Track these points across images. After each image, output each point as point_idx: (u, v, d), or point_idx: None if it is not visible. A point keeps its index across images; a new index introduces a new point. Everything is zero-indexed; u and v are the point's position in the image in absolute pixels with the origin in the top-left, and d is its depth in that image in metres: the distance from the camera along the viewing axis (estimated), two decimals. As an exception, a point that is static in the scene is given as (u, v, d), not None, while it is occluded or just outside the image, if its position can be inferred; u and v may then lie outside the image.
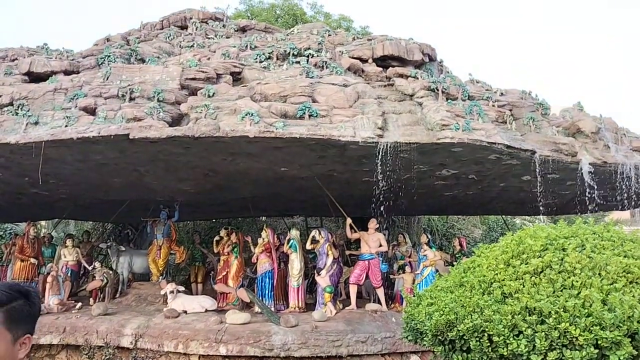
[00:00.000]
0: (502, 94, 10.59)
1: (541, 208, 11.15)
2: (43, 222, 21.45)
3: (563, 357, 3.65)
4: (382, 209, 10.47)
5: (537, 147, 9.12)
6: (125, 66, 10.30)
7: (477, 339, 3.96)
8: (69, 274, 12.92)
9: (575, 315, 3.67)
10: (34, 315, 1.95)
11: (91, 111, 9.05)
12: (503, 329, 3.83)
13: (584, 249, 4.26)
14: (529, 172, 9.77)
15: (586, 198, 9.71)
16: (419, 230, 18.15)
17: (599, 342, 3.57)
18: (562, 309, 3.71)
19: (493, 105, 9.74)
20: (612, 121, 10.87)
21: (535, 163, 9.10)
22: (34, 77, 11.00)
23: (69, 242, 13.46)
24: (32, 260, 13.27)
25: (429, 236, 12.22)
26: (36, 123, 9.13)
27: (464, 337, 4.05)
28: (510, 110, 9.87)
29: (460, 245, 13.32)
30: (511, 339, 3.80)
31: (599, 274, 4.01)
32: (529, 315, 3.82)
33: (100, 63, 11.19)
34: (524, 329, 3.79)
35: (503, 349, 3.81)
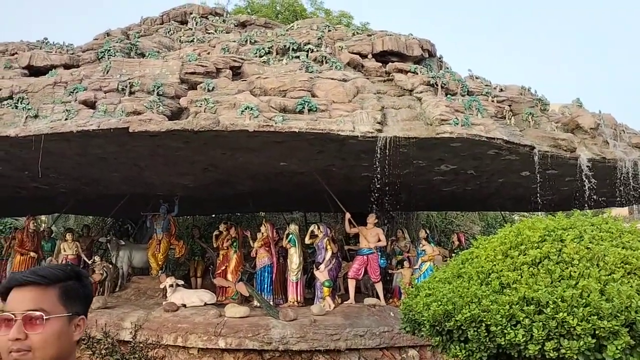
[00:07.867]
0: (501, 89, 10.60)
1: (540, 204, 11.16)
2: (43, 217, 21.44)
3: (560, 347, 3.67)
4: (380, 204, 10.49)
5: (536, 142, 9.14)
6: (125, 60, 10.32)
7: (475, 329, 3.99)
8: (68, 268, 12.94)
9: (573, 305, 3.69)
10: (86, 297, 1.85)
11: (91, 105, 9.06)
12: (501, 319, 3.85)
13: (582, 240, 4.28)
14: (528, 168, 9.79)
15: (584, 194, 9.72)
16: (418, 226, 18.14)
17: (597, 332, 3.60)
18: (559, 299, 3.73)
19: (492, 101, 9.75)
20: (611, 117, 10.89)
21: (534, 158, 9.12)
22: (34, 71, 11.01)
23: (68, 236, 13.47)
24: (32, 254, 13.30)
25: (428, 231, 12.26)
26: (36, 116, 9.14)
27: (462, 327, 4.07)
28: (510, 105, 9.87)
29: (459, 240, 13.34)
30: (509, 328, 3.83)
31: (597, 264, 4.03)
32: (527, 305, 3.84)
33: (100, 57, 11.20)
34: (521, 319, 3.81)
35: (500, 338, 3.84)
